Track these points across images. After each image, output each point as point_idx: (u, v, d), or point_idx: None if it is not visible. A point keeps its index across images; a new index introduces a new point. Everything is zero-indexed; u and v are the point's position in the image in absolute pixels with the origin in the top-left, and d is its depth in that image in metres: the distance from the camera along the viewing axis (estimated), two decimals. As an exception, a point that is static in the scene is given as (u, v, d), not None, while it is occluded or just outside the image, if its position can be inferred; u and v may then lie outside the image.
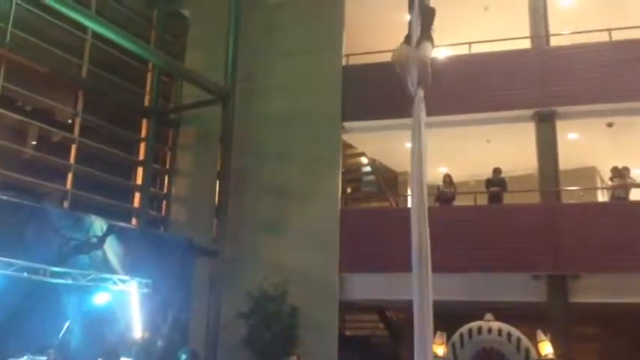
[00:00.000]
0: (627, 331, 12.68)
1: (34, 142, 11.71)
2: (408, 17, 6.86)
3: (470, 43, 13.01)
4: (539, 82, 12.35)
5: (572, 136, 13.36)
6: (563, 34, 13.26)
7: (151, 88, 14.06)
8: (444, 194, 12.99)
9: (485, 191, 13.04)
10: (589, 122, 12.70)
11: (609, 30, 12.31)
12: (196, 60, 14.19)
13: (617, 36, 12.31)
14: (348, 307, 12.75)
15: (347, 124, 13.27)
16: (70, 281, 8.37)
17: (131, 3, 13.97)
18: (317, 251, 12.34)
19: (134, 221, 13.15)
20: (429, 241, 5.83)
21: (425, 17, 6.33)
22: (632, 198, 12.09)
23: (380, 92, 12.22)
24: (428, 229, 5.85)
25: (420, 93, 6.25)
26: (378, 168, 16.37)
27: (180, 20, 15.08)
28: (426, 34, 6.28)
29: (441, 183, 13.29)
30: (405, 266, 6.16)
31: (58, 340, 8.24)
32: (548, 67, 12.45)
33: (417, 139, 6.17)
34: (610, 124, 12.82)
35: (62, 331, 8.32)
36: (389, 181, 16.50)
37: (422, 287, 5.66)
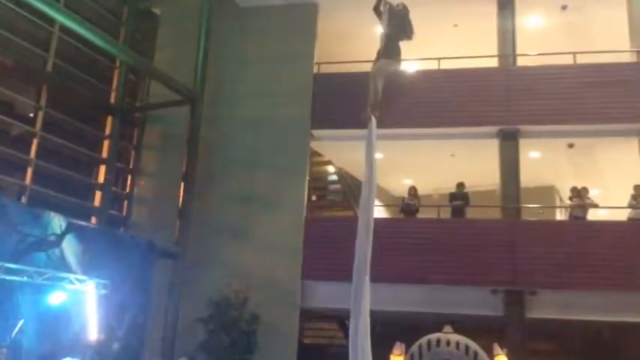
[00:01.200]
0: (580, 348, 13.02)
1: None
2: (379, 29, 6.95)
3: (439, 59, 13.21)
4: (504, 101, 12.62)
5: (534, 154, 13.68)
6: (529, 54, 13.59)
7: (117, 85, 13.81)
8: (409, 206, 13.12)
9: (449, 205, 13.22)
10: (551, 142, 13.05)
11: (574, 53, 12.67)
12: (165, 60, 14.02)
13: (582, 59, 12.68)
14: (308, 315, 12.74)
15: (315, 132, 13.31)
16: (25, 279, 8.12)
17: (101, -1, 13.76)
18: (280, 258, 12.30)
19: (94, 220, 12.87)
20: (370, 253, 5.90)
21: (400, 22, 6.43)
22: (589, 218, 12.43)
23: (349, 102, 12.22)
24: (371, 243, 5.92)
25: (374, 120, 6.37)
26: (344, 177, 16.44)
27: (150, 18, 14.88)
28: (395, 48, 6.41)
29: (405, 195, 13.43)
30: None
31: (10, 339, 7.98)
32: (514, 86, 12.73)
33: (369, 165, 6.26)
34: (571, 145, 13.20)
35: (15, 330, 8.06)
36: (354, 190, 16.56)
37: (357, 297, 5.71)
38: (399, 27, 6.52)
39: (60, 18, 10.62)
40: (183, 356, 10.44)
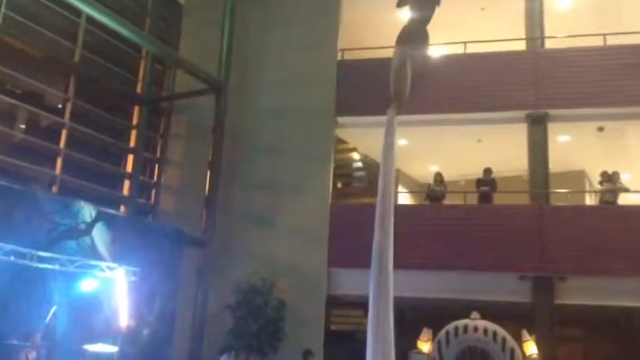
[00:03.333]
0: (611, 333, 12.82)
1: (24, 126, 11.58)
2: (403, 15, 6.83)
3: (465, 43, 13.02)
4: (532, 84, 12.40)
5: (563, 139, 13.43)
6: (558, 36, 13.31)
7: (143, 75, 13.94)
8: (435, 193, 13.03)
9: (476, 191, 13.09)
10: (580, 126, 12.79)
11: (604, 35, 12.37)
12: (190, 49, 14.09)
13: (612, 41, 12.38)
14: (334, 302, 12.77)
15: (340, 119, 13.26)
16: (57, 267, 8.30)
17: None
18: (306, 245, 12.34)
19: (123, 209, 13.07)
20: (388, 244, 5.84)
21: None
22: (620, 202, 12.19)
23: (374, 88, 12.12)
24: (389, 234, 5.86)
25: (393, 114, 6.23)
26: (369, 164, 16.38)
27: (175, 8, 14.95)
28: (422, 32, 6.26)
29: (431, 181, 13.33)
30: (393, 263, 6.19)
31: (43, 326, 8.18)
32: (542, 69, 12.50)
33: (388, 154, 6.15)
34: (601, 129, 12.90)
35: (48, 317, 8.26)
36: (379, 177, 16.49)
37: (380, 285, 5.66)
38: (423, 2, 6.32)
39: (86, 9, 10.73)
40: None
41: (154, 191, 14.13)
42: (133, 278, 9.49)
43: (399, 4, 6.34)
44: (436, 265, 11.53)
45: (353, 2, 13.62)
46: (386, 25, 7.26)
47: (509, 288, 11.51)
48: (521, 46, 13.05)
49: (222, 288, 11.74)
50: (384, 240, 5.80)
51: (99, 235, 9.37)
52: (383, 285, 5.70)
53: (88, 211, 9.30)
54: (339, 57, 13.56)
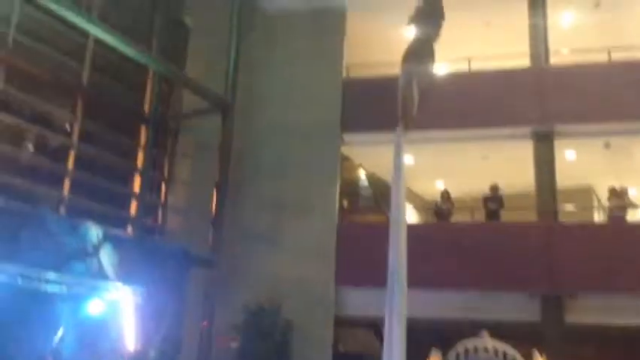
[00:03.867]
0: (623, 352, 12.64)
1: (32, 147, 11.64)
2: (407, 32, 6.81)
3: (469, 59, 13.07)
4: (537, 100, 12.41)
5: (570, 155, 13.40)
6: (562, 52, 13.34)
7: (150, 95, 14.01)
8: (442, 210, 12.99)
9: (483, 208, 13.03)
10: (586, 142, 12.77)
11: (609, 50, 12.38)
12: (197, 69, 14.18)
13: (616, 57, 12.39)
14: (343, 323, 12.68)
15: (346, 137, 13.28)
16: (64, 288, 8.28)
17: (133, 10, 13.98)
18: (313, 265, 12.30)
19: (129, 229, 13.06)
20: (405, 257, 5.78)
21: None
22: (628, 218, 12.11)
23: (379, 105, 12.14)
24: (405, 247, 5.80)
25: (402, 133, 6.17)
26: (375, 182, 16.37)
27: (181, 29, 15.08)
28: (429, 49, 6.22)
29: (438, 199, 13.30)
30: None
31: (51, 349, 8.14)
32: (547, 85, 12.52)
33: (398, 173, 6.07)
34: (607, 145, 12.87)
35: (55, 339, 8.22)
36: (386, 194, 16.44)
37: (392, 304, 5.58)
38: (428, 18, 6.30)
39: (93, 30, 10.84)
40: None
41: (160, 211, 14.13)
42: (140, 299, 9.44)
43: (411, 22, 6.32)
44: (444, 283, 11.46)
45: (357, 19, 13.70)
46: (391, 41, 7.31)
47: (518, 306, 11.42)
48: (525, 61, 13.07)
49: (230, 308, 11.68)
50: (396, 259, 5.73)
51: (106, 256, 9.34)
52: (396, 305, 5.62)
53: (95, 232, 9.28)
54: (344, 74, 13.62)
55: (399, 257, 5.73)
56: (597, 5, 13.50)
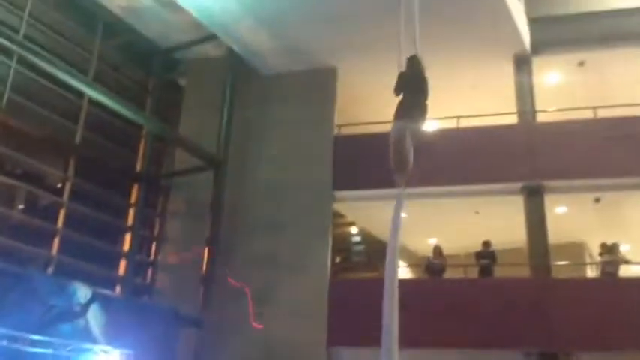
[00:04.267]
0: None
1: (22, 207, 11.60)
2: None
3: (458, 117, 13.30)
4: (526, 157, 12.56)
5: (561, 210, 13.48)
6: (548, 110, 13.63)
7: (143, 153, 14.10)
8: (434, 266, 12.92)
9: (475, 264, 12.98)
10: (577, 197, 12.88)
11: (594, 107, 12.66)
12: (190, 127, 14.34)
13: (602, 113, 12.66)
14: (335, 383, 12.38)
15: (338, 194, 13.32)
16: (50, 350, 8.09)
17: (128, 71, 14.26)
18: (305, 323, 12.08)
19: (118, 289, 12.88)
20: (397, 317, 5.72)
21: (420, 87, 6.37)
22: (621, 274, 12.08)
23: (370, 162, 12.34)
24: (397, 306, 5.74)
25: (401, 191, 6.24)
26: (368, 238, 16.34)
27: (175, 89, 15.35)
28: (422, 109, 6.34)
29: (430, 254, 13.25)
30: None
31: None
32: (536, 142, 12.70)
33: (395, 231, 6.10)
34: (597, 200, 12.99)
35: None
36: (378, 251, 16.41)
37: None
38: (417, 86, 6.47)
39: (89, 91, 11.02)
40: None
41: (150, 270, 13.98)
42: (128, 361, 9.24)
43: (395, 90, 6.47)
44: (437, 342, 11.25)
45: (348, 79, 13.98)
46: (380, 100, 7.48)
47: (515, 365, 11.21)
48: (513, 120, 13.32)
49: (220, 369, 11.41)
50: (389, 320, 5.66)
51: (93, 317, 9.18)
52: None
53: (83, 292, 9.15)
54: (335, 132, 13.80)
55: (393, 317, 5.66)
56: (581, 64, 13.91)
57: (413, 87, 6.31)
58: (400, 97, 6.38)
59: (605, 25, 13.56)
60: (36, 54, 9.90)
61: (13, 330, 7.69)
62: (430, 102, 7.11)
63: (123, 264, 13.15)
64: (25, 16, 11.36)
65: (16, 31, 11.02)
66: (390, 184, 6.42)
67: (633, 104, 12.45)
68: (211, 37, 13.54)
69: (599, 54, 13.58)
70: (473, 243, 13.49)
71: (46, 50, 10.93)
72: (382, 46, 7.27)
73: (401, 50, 6.42)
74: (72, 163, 12.32)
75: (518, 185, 12.53)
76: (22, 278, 8.67)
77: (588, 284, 12.55)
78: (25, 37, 10.96)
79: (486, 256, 12.92)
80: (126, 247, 13.29)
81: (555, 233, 12.48)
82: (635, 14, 13.45)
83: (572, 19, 13.84)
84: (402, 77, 6.31)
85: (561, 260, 13.54)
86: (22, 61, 10.80)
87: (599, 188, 12.38)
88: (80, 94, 12.27)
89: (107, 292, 10.85)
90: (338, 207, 13.93)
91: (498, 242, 13.34)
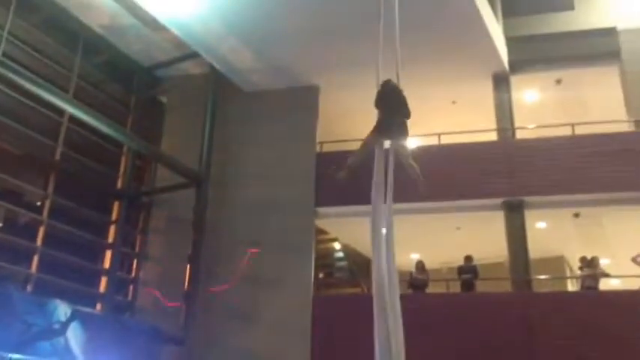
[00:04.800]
0: None
1: (0, 224, 11.45)
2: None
3: (439, 134, 13.44)
4: (506, 173, 12.73)
5: (541, 225, 13.64)
6: (528, 127, 13.85)
7: (124, 170, 14.04)
8: (417, 281, 12.96)
9: (457, 279, 13.05)
10: (556, 212, 13.05)
11: (572, 125, 12.89)
12: (171, 144, 14.31)
13: (580, 130, 12.89)
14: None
15: (320, 210, 13.35)
16: (28, 370, 7.97)
17: (109, 88, 14.22)
18: (288, 339, 12.02)
19: (99, 306, 12.72)
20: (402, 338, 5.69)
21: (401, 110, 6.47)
22: (601, 287, 12.22)
23: (353, 178, 12.38)
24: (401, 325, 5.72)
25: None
26: (350, 254, 16.36)
27: (157, 106, 15.33)
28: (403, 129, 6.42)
29: (413, 269, 13.29)
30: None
31: None
32: (515, 158, 12.88)
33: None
34: (576, 215, 13.17)
35: None
36: (361, 266, 16.44)
37: None
38: (395, 106, 6.54)
39: (69, 109, 10.97)
40: None
41: (131, 287, 13.83)
42: (108, 380, 9.11)
43: (375, 105, 6.55)
44: (421, 356, 11.23)
45: (329, 97, 14.07)
46: (361, 117, 7.55)
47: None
48: (492, 137, 13.51)
49: (202, 388, 11.28)
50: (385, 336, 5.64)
51: (73, 335, 9.05)
52: None
53: (63, 309, 9.04)
54: (317, 149, 13.85)
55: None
56: (558, 82, 14.19)
57: (391, 105, 6.40)
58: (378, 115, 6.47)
59: (580, 44, 13.88)
60: (16, 72, 9.86)
61: (-10, 349, 7.56)
62: (412, 119, 7.22)
63: (104, 281, 13.02)
64: (5, 33, 11.31)
65: (-4, 49, 10.98)
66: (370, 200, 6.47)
67: (610, 121, 12.71)
68: (193, 55, 13.58)
69: (575, 72, 13.89)
70: (455, 258, 13.58)
71: (26, 68, 10.91)
72: (364, 64, 7.35)
73: (379, 70, 6.52)
74: (52, 180, 12.21)
75: (499, 201, 12.67)
76: (1, 297, 8.53)
77: (569, 298, 12.68)
78: (5, 54, 10.91)
79: (468, 270, 12.98)
80: (107, 264, 13.17)
81: (536, 248, 12.63)
82: (608, 34, 13.79)
83: (548, 38, 14.14)
84: (380, 95, 6.41)
85: (542, 274, 13.67)
86: (1, 78, 10.72)
87: (578, 203, 12.56)
88: (60, 112, 12.20)
89: (88, 309, 10.71)
90: (320, 223, 13.95)
91: (480, 257, 13.45)
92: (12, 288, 9.44)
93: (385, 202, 6.22)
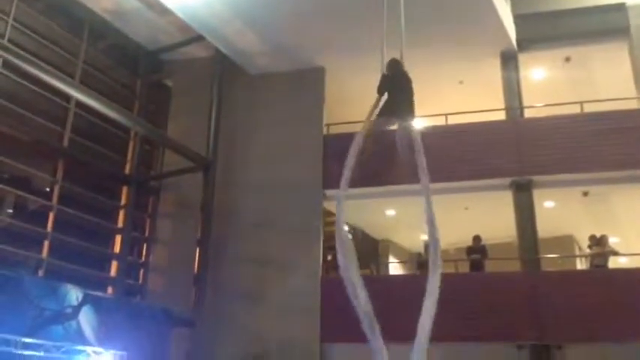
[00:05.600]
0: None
1: (11, 210, 11.54)
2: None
3: (446, 115, 13.36)
4: (515, 153, 12.64)
5: (549, 204, 13.58)
6: (536, 106, 13.73)
7: (132, 156, 14.08)
8: (426, 261, 12.96)
9: (467, 259, 13.06)
10: (565, 191, 12.97)
11: (581, 102, 12.76)
12: (178, 128, 14.33)
13: (589, 108, 12.77)
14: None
15: (328, 192, 13.35)
16: (42, 353, 8.07)
17: (115, 73, 14.21)
18: (298, 321, 12.12)
19: (110, 290, 12.85)
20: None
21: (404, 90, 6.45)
22: (610, 266, 12.20)
23: (360, 159, 12.34)
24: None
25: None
26: (358, 236, 16.37)
27: (163, 90, 15.33)
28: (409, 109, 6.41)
29: (422, 250, 13.31)
30: (387, 335, 6.08)
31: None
32: (524, 137, 12.78)
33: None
34: (585, 193, 13.09)
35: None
36: (369, 249, 16.48)
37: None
38: (401, 86, 6.51)
39: (76, 94, 10.97)
40: None
41: (141, 271, 13.96)
42: (121, 362, 9.23)
43: (378, 91, 6.52)
44: (432, 336, 11.29)
45: (335, 78, 13.99)
46: (368, 98, 7.52)
47: (506, 358, 11.28)
48: (500, 116, 13.40)
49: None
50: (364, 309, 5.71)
51: (85, 319, 9.16)
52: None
53: (74, 294, 9.14)
54: (324, 131, 13.82)
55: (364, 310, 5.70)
56: (567, 60, 14.03)
57: (397, 86, 6.38)
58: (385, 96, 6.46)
59: (589, 21, 13.67)
60: (22, 58, 9.86)
61: (5, 333, 7.66)
62: (418, 99, 7.18)
63: (114, 265, 13.14)
64: (10, 20, 11.30)
65: (1, 36, 10.98)
66: (379, 181, 6.49)
67: (619, 98, 12.56)
68: (198, 39, 13.54)
69: (584, 49, 13.70)
70: (463, 239, 13.57)
71: (32, 54, 10.91)
72: (369, 45, 7.31)
73: (384, 50, 6.49)
74: (60, 166, 12.27)
75: (507, 181, 12.61)
76: (13, 282, 8.63)
77: (578, 277, 12.66)
78: (10, 41, 10.91)
79: (477, 251, 12.99)
80: (117, 248, 13.27)
81: (545, 227, 12.59)
82: (618, 10, 13.58)
83: (557, 15, 13.94)
84: (385, 78, 6.39)
85: (551, 254, 13.64)
86: (7, 65, 10.74)
87: (587, 182, 12.47)
88: (67, 98, 12.23)
89: (99, 293, 10.82)
90: (328, 205, 13.95)
91: (488, 237, 13.43)
92: (24, 273, 9.54)
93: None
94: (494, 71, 13.61)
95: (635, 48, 13.31)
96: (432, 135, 12.96)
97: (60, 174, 12.23)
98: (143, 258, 14.06)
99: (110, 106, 11.39)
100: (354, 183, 12.72)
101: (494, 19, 12.53)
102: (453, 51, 13.25)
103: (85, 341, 8.99)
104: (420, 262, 13.15)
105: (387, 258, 16.53)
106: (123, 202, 13.68)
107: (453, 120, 13.30)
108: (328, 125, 13.91)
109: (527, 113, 13.52)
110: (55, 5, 12.46)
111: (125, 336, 9.60)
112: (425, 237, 14.18)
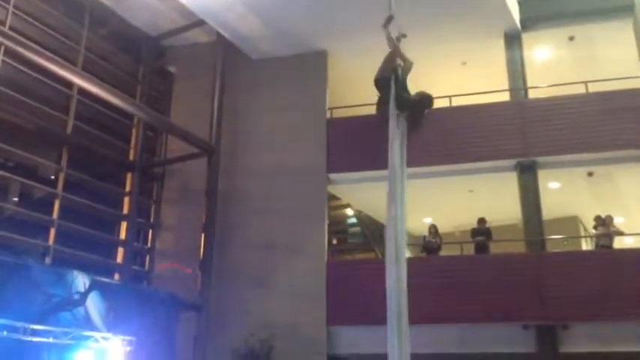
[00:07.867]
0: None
1: (16, 198, 11.59)
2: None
3: (450, 97, 13.29)
4: (519, 134, 12.58)
5: (554, 185, 13.54)
6: (540, 86, 13.63)
7: (135, 142, 14.09)
8: (430, 244, 13.01)
9: (471, 241, 13.07)
10: (570, 172, 12.93)
11: (586, 82, 12.66)
12: (182, 114, 14.32)
13: (593, 88, 12.67)
14: (336, 362, 12.51)
15: (332, 176, 13.36)
16: (50, 340, 8.15)
17: (117, 60, 14.17)
18: (304, 305, 12.19)
19: (117, 276, 12.93)
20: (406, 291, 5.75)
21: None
22: (615, 246, 12.19)
23: (364, 144, 12.34)
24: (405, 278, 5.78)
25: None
26: (363, 219, 16.40)
27: (165, 76, 15.29)
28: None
29: (426, 233, 13.33)
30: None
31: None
32: (528, 118, 12.71)
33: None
34: (590, 174, 13.05)
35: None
36: (374, 232, 16.51)
37: (400, 341, 5.55)
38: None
39: (78, 81, 10.95)
40: None
41: (148, 257, 14.03)
42: (129, 348, 9.29)
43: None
44: (436, 318, 11.35)
45: (338, 62, 13.93)
46: (372, 81, 7.48)
47: (512, 338, 11.34)
48: (505, 97, 13.32)
49: (220, 352, 11.51)
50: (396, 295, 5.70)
51: (93, 305, 9.23)
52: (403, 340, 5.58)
53: (81, 280, 9.19)
54: (328, 115, 13.78)
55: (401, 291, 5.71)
56: (571, 39, 13.90)
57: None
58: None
59: (593, -1, 13.53)
60: (23, 45, 9.83)
61: (13, 320, 7.72)
62: (421, 81, 7.14)
63: (121, 252, 13.21)
64: (11, 7, 11.26)
65: (2, 23, 10.93)
66: (383, 165, 6.45)
67: (624, 77, 12.45)
68: (200, 23, 13.47)
69: (588, 28, 13.56)
70: (468, 221, 13.57)
71: (34, 41, 10.86)
72: (372, 28, 7.24)
73: (389, 31, 6.46)
74: (64, 154, 12.29)
75: (512, 162, 12.58)
76: (21, 269, 8.68)
77: (583, 257, 12.67)
78: (11, 28, 10.87)
79: (482, 233, 13.01)
80: (123, 235, 13.33)
81: (550, 208, 12.57)
82: (622, -13, 13.42)
83: (560, -6, 13.80)
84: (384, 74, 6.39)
85: (556, 235, 13.63)
86: (9, 53, 10.71)
87: (592, 162, 12.43)
88: (69, 85, 12.21)
89: (106, 280, 10.87)
90: (332, 189, 13.96)
91: (493, 219, 13.43)
92: (31, 260, 9.59)
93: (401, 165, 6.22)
94: (497, 52, 13.50)
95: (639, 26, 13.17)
96: (437, 117, 12.93)
97: (64, 161, 12.26)
98: (149, 244, 14.12)
99: (113, 93, 11.36)
100: (357, 167, 12.79)
101: (498, -2, 12.40)
102: (455, 32, 13.15)
103: (93, 327, 9.06)
104: (424, 245, 13.15)
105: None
106: (128, 188, 13.71)
107: (457, 102, 13.24)
108: (331, 109, 13.87)
109: (532, 94, 13.43)
110: (56, -8, 12.40)
111: (133, 321, 9.67)
112: (429, 220, 14.25)
